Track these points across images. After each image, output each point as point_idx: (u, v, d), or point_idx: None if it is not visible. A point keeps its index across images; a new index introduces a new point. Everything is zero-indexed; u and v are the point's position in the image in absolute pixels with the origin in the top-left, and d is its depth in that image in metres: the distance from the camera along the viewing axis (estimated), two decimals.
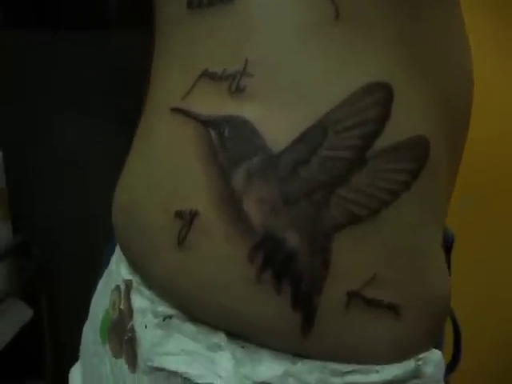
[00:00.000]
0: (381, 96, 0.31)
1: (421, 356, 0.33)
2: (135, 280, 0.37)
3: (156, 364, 0.34)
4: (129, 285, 0.38)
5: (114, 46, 1.03)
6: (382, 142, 0.31)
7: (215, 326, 0.34)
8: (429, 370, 0.34)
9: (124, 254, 0.39)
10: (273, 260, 0.31)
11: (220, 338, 0.33)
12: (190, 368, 0.33)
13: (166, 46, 0.36)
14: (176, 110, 0.33)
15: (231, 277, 0.32)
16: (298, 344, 0.32)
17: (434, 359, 0.34)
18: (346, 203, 0.31)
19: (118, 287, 0.40)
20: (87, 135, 1.10)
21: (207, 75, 0.33)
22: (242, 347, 0.33)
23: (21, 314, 1.07)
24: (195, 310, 0.34)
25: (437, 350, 0.35)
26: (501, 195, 1.06)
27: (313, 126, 0.31)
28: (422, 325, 0.33)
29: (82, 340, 0.46)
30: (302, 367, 0.32)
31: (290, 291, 0.31)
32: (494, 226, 1.08)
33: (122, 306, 0.39)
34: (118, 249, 0.41)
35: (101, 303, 0.43)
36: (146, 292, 0.36)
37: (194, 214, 0.32)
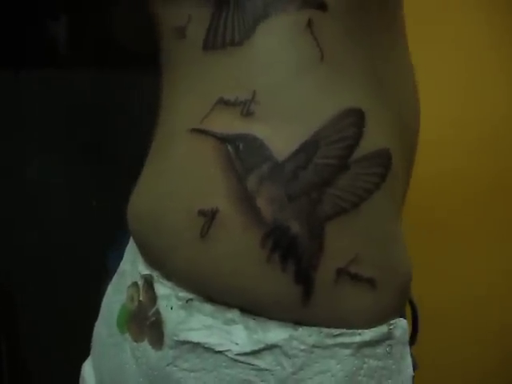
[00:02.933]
0: (355, 119, 0.41)
1: (391, 322, 0.43)
2: (155, 274, 0.45)
3: (181, 338, 0.41)
4: (149, 278, 0.45)
5: (76, 83, 1.09)
6: (358, 152, 0.41)
7: (229, 305, 0.41)
8: (397, 333, 0.43)
9: (143, 254, 0.46)
10: (280, 244, 0.40)
11: (234, 314, 0.41)
12: (211, 339, 0.41)
13: (180, 80, 0.45)
14: (196, 130, 0.42)
15: (246, 260, 0.40)
16: (299, 313, 0.40)
17: (401, 325, 0.43)
18: (334, 199, 0.40)
19: (135, 283, 0.47)
20: (48, 172, 1.15)
21: (222, 102, 0.42)
22: (254, 319, 0.41)
23: None
24: (213, 292, 0.42)
25: (403, 319, 0.44)
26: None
27: (308, 141, 0.40)
28: (392, 295, 0.43)
29: (94, 337, 0.52)
30: (303, 332, 0.40)
31: (293, 269, 0.40)
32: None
33: (141, 298, 0.46)
34: (132, 251, 0.48)
35: (115, 300, 0.49)
36: (167, 282, 0.44)
37: (215, 211, 0.40)
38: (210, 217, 0.41)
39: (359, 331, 0.41)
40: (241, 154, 0.40)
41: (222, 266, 0.41)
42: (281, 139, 0.40)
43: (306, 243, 0.40)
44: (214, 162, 0.41)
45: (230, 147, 0.41)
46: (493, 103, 1.05)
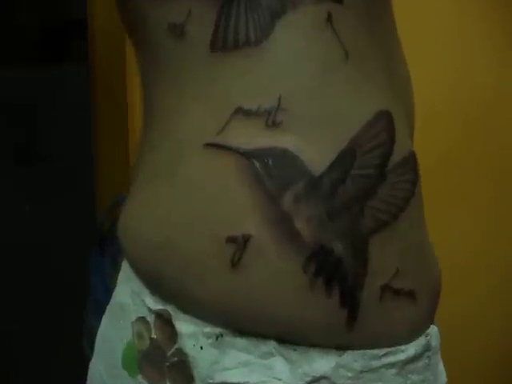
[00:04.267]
0: (386, 122, 0.38)
1: (427, 332, 0.41)
2: (170, 309, 0.39)
3: (217, 380, 0.37)
4: (164, 314, 0.40)
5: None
6: (393, 159, 0.38)
7: (264, 336, 0.37)
8: (433, 342, 0.41)
9: (153, 286, 0.40)
10: (324, 267, 0.36)
11: (271, 346, 0.37)
12: (251, 377, 0.37)
13: (183, 84, 0.39)
14: (213, 145, 0.37)
15: (285, 288, 0.36)
16: (343, 337, 0.37)
17: (435, 333, 0.42)
18: (375, 212, 0.37)
19: (142, 319, 0.41)
20: None
21: (241, 112, 0.37)
22: (294, 350, 0.37)
23: None
24: (246, 323, 0.37)
25: (434, 325, 0.42)
26: None
27: (344, 150, 0.36)
28: (429, 304, 0.41)
29: (91, 379, 0.46)
30: (348, 357, 0.37)
31: (338, 292, 0.36)
32: None
33: (154, 335, 0.40)
34: (131, 282, 0.42)
35: (114, 338, 0.43)
36: (186, 317, 0.39)
37: (247, 238, 0.36)
38: (241, 244, 0.36)
39: (402, 347, 0.39)
40: (271, 171, 0.36)
41: (257, 296, 0.37)
42: (315, 150, 0.36)
43: (351, 263, 0.36)
44: (240, 181, 0.36)
45: (257, 164, 0.36)
46: (482, 85, 1.06)
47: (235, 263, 0.36)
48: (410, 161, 0.39)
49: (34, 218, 1.01)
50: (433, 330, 0.42)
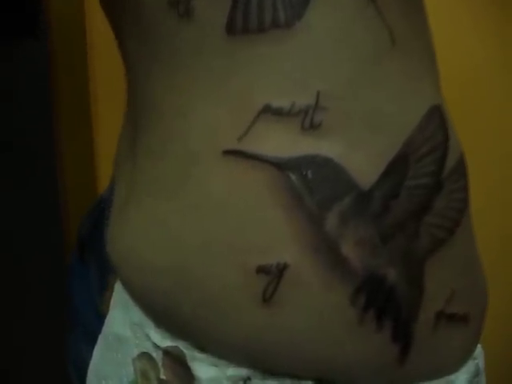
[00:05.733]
0: (439, 120, 0.32)
1: (475, 354, 0.36)
2: (183, 347, 0.33)
3: None
4: (175, 353, 0.33)
5: None
6: (449, 163, 0.32)
7: (299, 377, 0.32)
8: (480, 364, 0.36)
9: (159, 319, 0.34)
10: (375, 298, 0.30)
11: None
12: None
13: (190, 80, 0.32)
14: (235, 153, 0.30)
15: (328, 323, 0.30)
16: (393, 373, 0.32)
17: (480, 353, 0.37)
18: (431, 229, 0.31)
19: (146, 355, 0.35)
20: None
21: (270, 111, 0.29)
22: None
23: None
24: (279, 364, 0.31)
25: (479, 345, 0.37)
26: None
27: (396, 158, 0.30)
28: (479, 325, 0.36)
29: None
30: None
31: (390, 325, 0.31)
32: None
33: (163, 376, 0.34)
34: (131, 312, 0.35)
35: (111, 374, 0.37)
36: (203, 356, 0.32)
37: (282, 267, 0.29)
38: (275, 274, 0.29)
39: (452, 376, 0.34)
40: (311, 185, 0.29)
41: (293, 333, 0.30)
42: (363, 158, 0.30)
43: (406, 292, 0.30)
44: (272, 199, 0.29)
45: (293, 177, 0.29)
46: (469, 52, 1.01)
47: (268, 298, 0.30)
48: (462, 164, 0.33)
49: None
50: (478, 350, 0.37)
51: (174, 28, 0.31)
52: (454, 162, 0.32)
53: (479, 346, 0.37)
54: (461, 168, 0.33)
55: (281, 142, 0.29)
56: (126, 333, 0.36)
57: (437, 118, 0.32)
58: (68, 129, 0.94)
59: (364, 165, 0.30)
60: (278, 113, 0.29)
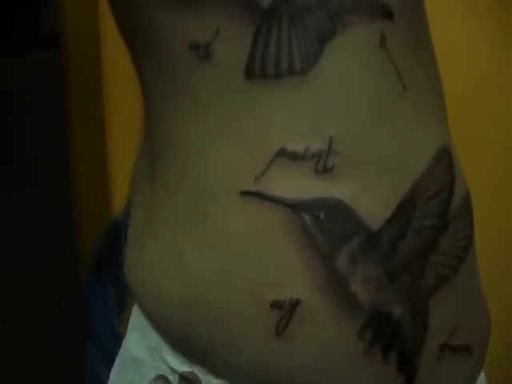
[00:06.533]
0: (447, 161, 0.33)
1: (478, 382, 0.38)
2: (199, 371, 0.35)
3: None
4: (191, 377, 0.35)
5: None
6: (455, 204, 0.33)
7: None
8: None
9: (177, 344, 0.35)
10: (381, 334, 0.32)
11: None
12: None
13: (207, 118, 0.33)
14: (251, 194, 0.31)
15: (337, 355, 0.32)
16: None
17: (483, 380, 0.38)
18: (436, 267, 0.33)
19: (163, 378, 0.36)
20: None
21: (285, 155, 0.31)
22: None
23: None
24: None
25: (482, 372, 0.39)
26: None
27: (404, 200, 0.32)
28: (482, 355, 0.37)
29: None
30: None
31: (396, 358, 0.32)
32: None
33: None
34: (149, 336, 0.37)
35: None
36: (217, 382, 0.34)
37: (295, 303, 0.31)
38: (288, 309, 0.31)
39: None
40: (323, 226, 0.31)
41: (304, 365, 0.32)
42: (372, 201, 0.31)
43: (411, 327, 0.32)
44: (287, 238, 0.31)
45: (307, 218, 0.31)
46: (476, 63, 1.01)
47: (281, 331, 0.31)
48: (468, 203, 0.35)
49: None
50: (481, 377, 0.38)
51: (194, 68, 0.33)
52: (460, 202, 0.34)
53: (482, 374, 0.39)
54: (466, 207, 0.35)
55: (295, 185, 0.31)
56: (143, 355, 0.38)
57: (444, 161, 0.33)
58: (82, 143, 0.96)
59: (373, 207, 0.31)
60: (293, 157, 0.31)
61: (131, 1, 0.34)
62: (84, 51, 0.94)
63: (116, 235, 0.47)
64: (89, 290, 0.49)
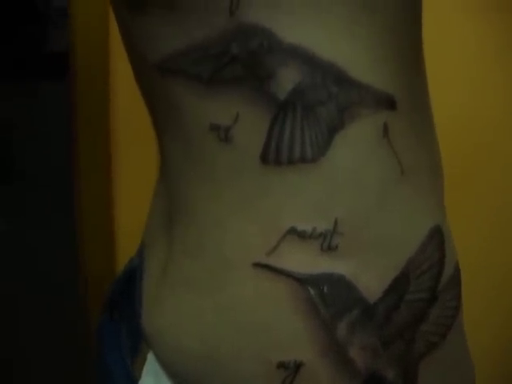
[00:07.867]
0: (438, 240, 0.37)
1: None
2: None
3: None
4: None
5: None
6: (444, 278, 0.37)
7: None
8: None
9: None
10: None
11: None
12: None
13: (224, 194, 0.37)
14: (263, 267, 0.35)
15: None
16: None
17: None
18: (426, 335, 0.36)
19: None
20: None
21: (295, 233, 0.35)
22: None
23: None
24: None
25: None
26: None
27: (399, 276, 0.35)
28: None
29: None
30: None
31: None
32: None
33: None
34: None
35: None
36: None
37: (298, 365, 0.35)
38: (292, 370, 0.35)
39: None
40: (326, 299, 0.35)
41: None
42: (371, 277, 0.35)
43: None
44: (294, 308, 0.35)
45: (312, 290, 0.35)
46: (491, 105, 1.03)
47: None
48: (456, 275, 0.39)
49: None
50: None
51: (213, 148, 0.36)
52: (449, 274, 0.38)
53: None
54: (455, 277, 0.39)
55: (303, 260, 0.35)
56: None
57: (436, 238, 0.37)
58: (86, 165, 0.98)
59: (371, 282, 0.35)
60: (302, 235, 0.35)
61: (157, 83, 0.38)
62: (92, 76, 0.97)
63: (129, 280, 0.50)
64: (101, 329, 0.53)
